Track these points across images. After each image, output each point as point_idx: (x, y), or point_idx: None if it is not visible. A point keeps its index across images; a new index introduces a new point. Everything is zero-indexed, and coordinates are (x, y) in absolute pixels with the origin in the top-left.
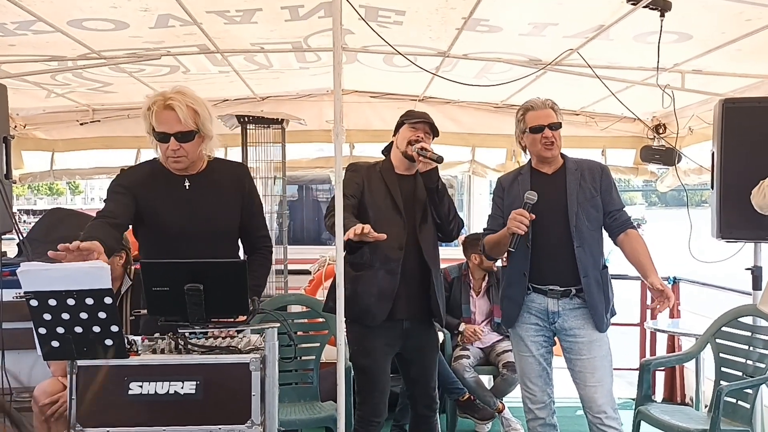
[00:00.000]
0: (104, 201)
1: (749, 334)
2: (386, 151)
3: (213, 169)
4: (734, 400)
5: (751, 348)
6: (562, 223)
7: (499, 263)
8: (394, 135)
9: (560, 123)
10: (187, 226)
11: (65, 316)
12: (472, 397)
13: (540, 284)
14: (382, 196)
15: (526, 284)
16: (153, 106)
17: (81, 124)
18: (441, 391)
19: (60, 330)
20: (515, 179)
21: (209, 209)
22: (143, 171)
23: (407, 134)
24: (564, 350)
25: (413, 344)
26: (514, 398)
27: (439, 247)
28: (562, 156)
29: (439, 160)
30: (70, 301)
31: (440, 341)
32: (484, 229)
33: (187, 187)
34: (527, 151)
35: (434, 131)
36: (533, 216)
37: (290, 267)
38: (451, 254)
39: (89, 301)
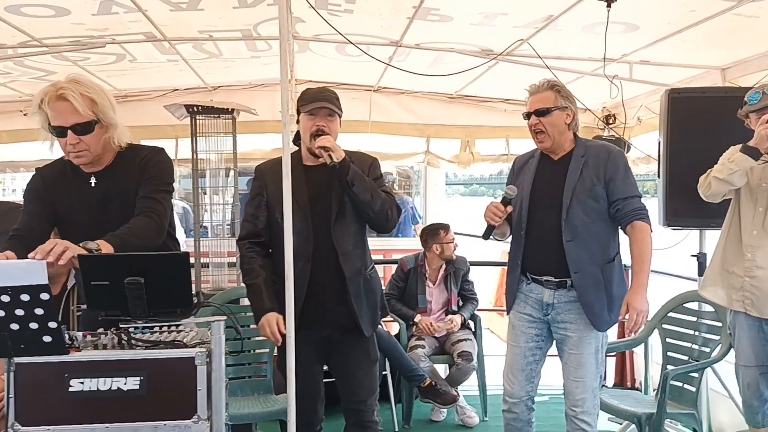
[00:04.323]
0: (21, 209)
1: (695, 319)
2: (297, 138)
3: (120, 161)
4: (680, 384)
5: (697, 333)
6: (556, 215)
7: (460, 252)
8: (297, 122)
9: (549, 108)
10: (95, 228)
11: (0, 313)
12: (433, 382)
13: (536, 274)
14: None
15: (519, 272)
16: (45, 98)
17: (25, 114)
18: (401, 379)
19: None
20: (527, 162)
21: (114, 209)
22: (55, 170)
23: (307, 124)
24: (556, 341)
25: (340, 357)
26: (469, 387)
27: (397, 238)
28: (577, 140)
29: (334, 165)
30: (5, 298)
31: (395, 333)
32: None
33: (93, 185)
34: None
35: (338, 109)
36: (510, 209)
37: None
38: (408, 245)
39: (25, 297)
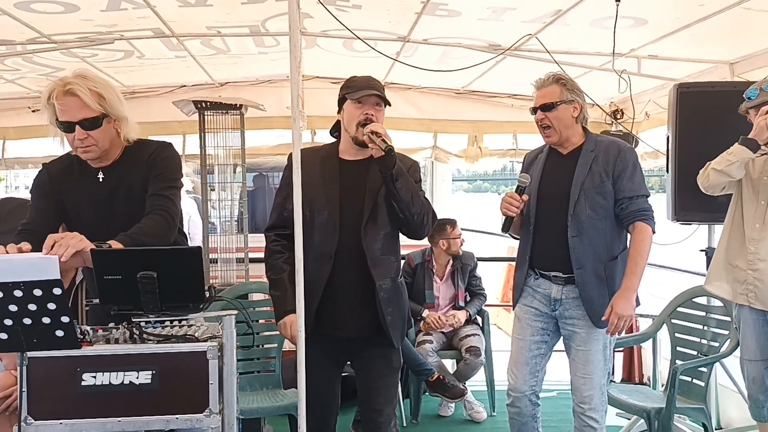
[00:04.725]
0: (29, 205)
1: (703, 314)
2: (335, 130)
3: (128, 156)
4: (689, 379)
5: (705, 327)
6: (563, 210)
7: (467, 248)
8: (338, 112)
9: (554, 103)
10: (102, 224)
11: (13, 307)
12: (441, 376)
13: (544, 270)
14: (315, 193)
15: (526, 268)
16: (53, 93)
17: (33, 111)
18: (409, 373)
19: (8, 322)
20: (536, 158)
21: (121, 204)
22: (62, 165)
23: (354, 113)
24: (563, 337)
25: (362, 362)
26: (477, 382)
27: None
28: (587, 135)
29: (388, 150)
30: (18, 293)
31: None
32: None
33: (101, 181)
34: None
35: (385, 100)
36: (525, 198)
37: (251, 255)
38: (415, 240)
39: (37, 292)
